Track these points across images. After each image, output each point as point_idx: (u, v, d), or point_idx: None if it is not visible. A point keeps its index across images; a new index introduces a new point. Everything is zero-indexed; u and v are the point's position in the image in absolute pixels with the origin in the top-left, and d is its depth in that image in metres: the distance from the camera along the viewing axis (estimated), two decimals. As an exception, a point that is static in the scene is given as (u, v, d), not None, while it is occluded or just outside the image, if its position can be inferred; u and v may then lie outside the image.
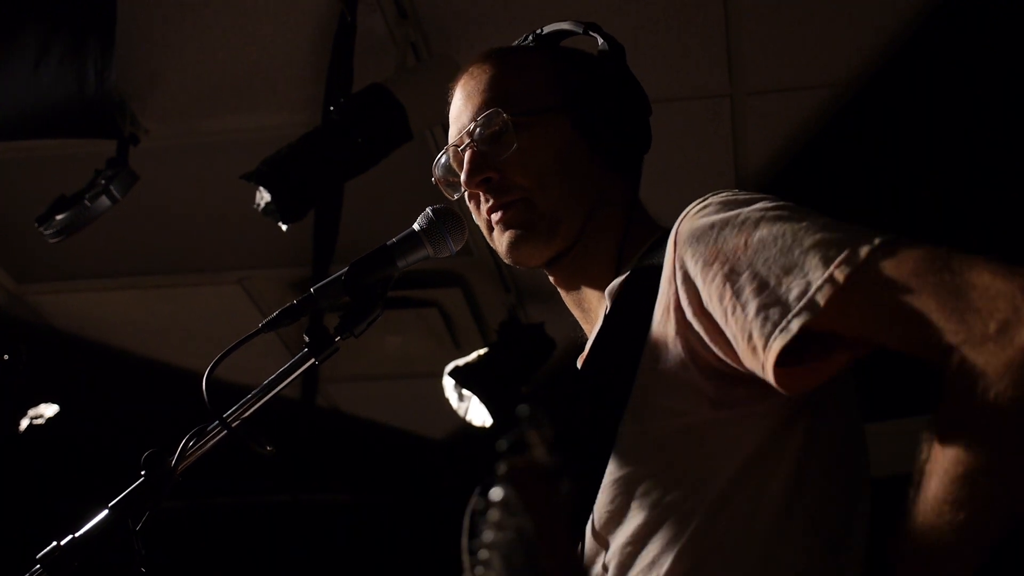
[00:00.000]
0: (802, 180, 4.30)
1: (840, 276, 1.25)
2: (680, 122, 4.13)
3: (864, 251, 1.26)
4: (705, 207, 1.42)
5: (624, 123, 1.68)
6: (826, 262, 1.27)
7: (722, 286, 1.34)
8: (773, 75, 3.96)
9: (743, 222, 1.36)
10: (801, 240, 1.30)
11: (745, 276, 1.32)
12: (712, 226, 1.38)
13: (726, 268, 1.34)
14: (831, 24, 3.76)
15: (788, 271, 1.29)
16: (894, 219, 4.37)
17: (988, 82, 3.84)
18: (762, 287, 1.30)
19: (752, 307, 1.30)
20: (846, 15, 3.72)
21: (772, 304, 1.29)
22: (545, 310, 5.05)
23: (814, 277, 1.27)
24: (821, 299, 1.25)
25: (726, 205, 1.40)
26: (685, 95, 4.04)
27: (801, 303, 1.26)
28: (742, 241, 1.34)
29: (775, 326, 1.28)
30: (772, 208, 1.36)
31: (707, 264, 1.36)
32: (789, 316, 1.27)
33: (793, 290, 1.28)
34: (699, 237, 1.39)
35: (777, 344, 1.27)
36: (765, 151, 4.27)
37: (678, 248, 1.42)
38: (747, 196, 1.42)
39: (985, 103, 3.90)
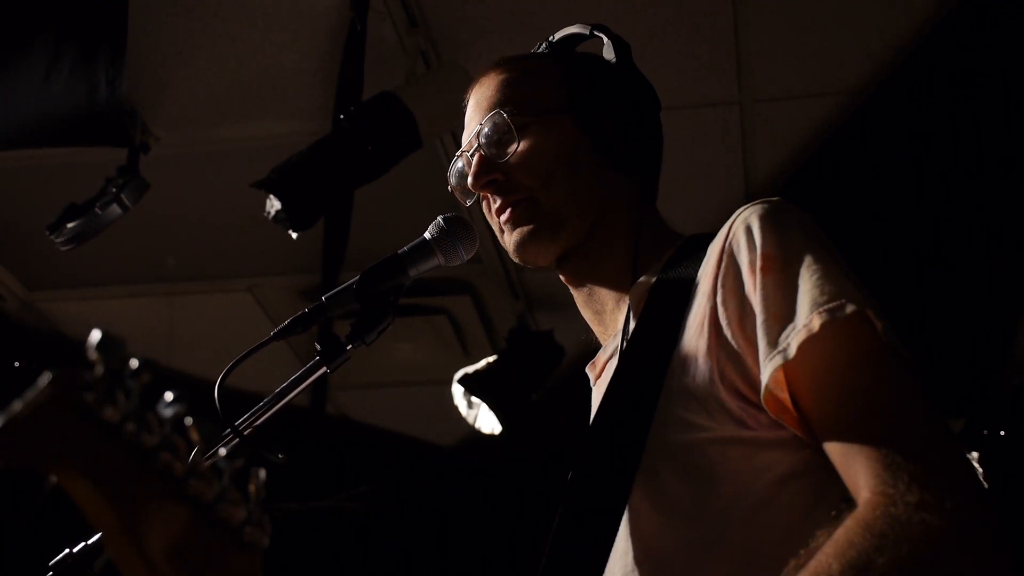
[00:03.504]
0: (812, 187, 4.29)
1: (816, 324, 1.29)
2: (689, 129, 4.13)
3: (850, 309, 1.29)
4: (756, 226, 1.42)
5: (628, 120, 1.68)
6: (812, 307, 1.31)
7: (754, 312, 1.37)
8: (782, 82, 3.96)
9: (788, 255, 1.38)
10: (807, 283, 1.34)
11: (770, 309, 1.35)
12: (756, 249, 1.40)
13: (763, 297, 1.36)
14: (840, 31, 3.76)
15: (791, 311, 1.33)
16: (904, 227, 4.37)
17: (998, 89, 3.83)
18: (772, 324, 1.34)
19: (763, 342, 1.34)
20: (855, 22, 3.72)
21: (770, 341, 1.33)
22: (554, 318, 5.04)
23: (799, 321, 1.31)
24: (795, 344, 1.30)
25: (775, 229, 1.41)
26: (694, 103, 4.04)
27: (778, 347, 1.31)
28: (780, 273, 1.37)
29: (764, 360, 1.33)
30: (811, 244, 1.39)
31: (751, 287, 1.39)
32: (771, 355, 1.32)
33: (782, 330, 1.32)
34: (745, 260, 1.41)
35: (764, 378, 1.33)
36: (774, 158, 4.27)
37: (725, 264, 1.43)
38: (792, 221, 1.43)
39: (995, 110, 3.89)
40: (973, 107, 3.90)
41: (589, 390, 1.75)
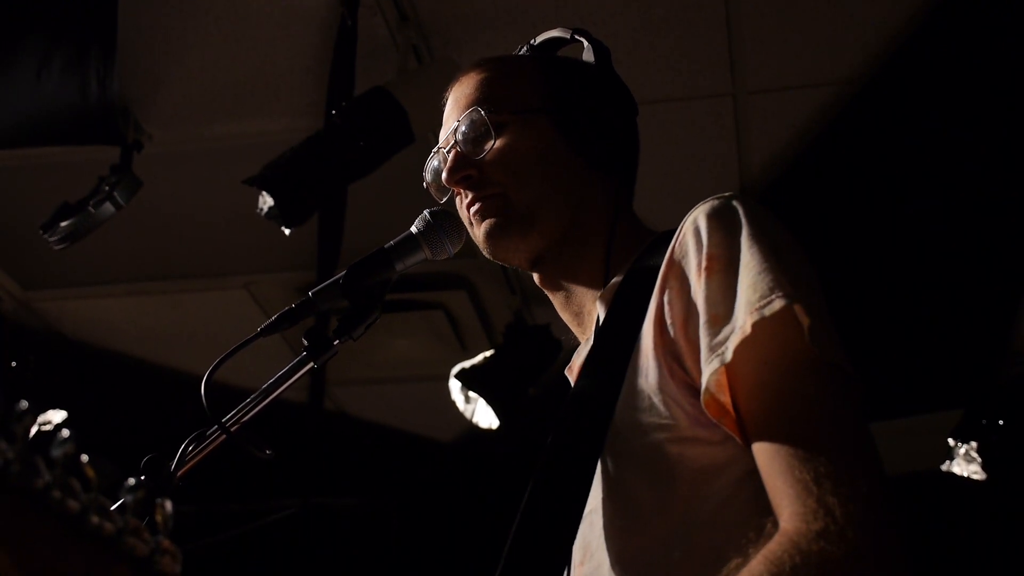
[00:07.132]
0: (806, 179, 4.29)
1: (748, 325, 1.29)
2: (683, 122, 4.12)
3: (776, 304, 1.29)
4: (703, 226, 1.42)
5: (605, 122, 1.69)
6: (747, 308, 1.31)
7: (698, 314, 1.37)
8: (775, 74, 3.95)
9: (732, 255, 1.37)
10: (743, 283, 1.34)
11: (710, 311, 1.35)
12: (702, 250, 1.39)
13: (706, 298, 1.36)
14: (833, 22, 3.75)
15: (729, 313, 1.33)
16: (900, 216, 4.37)
17: (992, 78, 3.83)
18: (711, 326, 1.34)
19: (704, 344, 1.34)
20: (848, 12, 3.72)
21: (710, 344, 1.33)
22: (551, 312, 5.01)
23: (735, 323, 1.31)
24: (731, 347, 1.30)
25: (721, 228, 1.40)
26: (687, 95, 4.03)
27: (716, 351, 1.32)
28: (722, 274, 1.36)
29: (704, 362, 1.33)
30: (754, 241, 1.38)
31: (696, 288, 1.38)
32: (710, 358, 1.32)
33: (719, 332, 1.33)
34: (692, 262, 1.40)
35: (704, 381, 1.33)
36: (768, 150, 4.26)
37: (673, 263, 1.43)
38: (739, 219, 1.41)
39: (989, 99, 3.89)
40: (967, 95, 3.89)
41: None
